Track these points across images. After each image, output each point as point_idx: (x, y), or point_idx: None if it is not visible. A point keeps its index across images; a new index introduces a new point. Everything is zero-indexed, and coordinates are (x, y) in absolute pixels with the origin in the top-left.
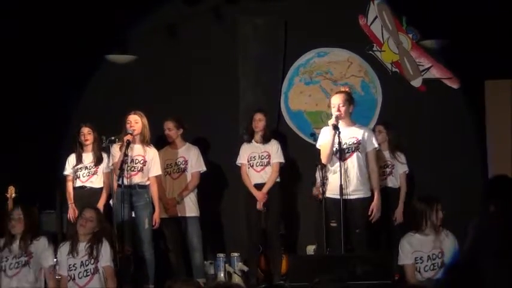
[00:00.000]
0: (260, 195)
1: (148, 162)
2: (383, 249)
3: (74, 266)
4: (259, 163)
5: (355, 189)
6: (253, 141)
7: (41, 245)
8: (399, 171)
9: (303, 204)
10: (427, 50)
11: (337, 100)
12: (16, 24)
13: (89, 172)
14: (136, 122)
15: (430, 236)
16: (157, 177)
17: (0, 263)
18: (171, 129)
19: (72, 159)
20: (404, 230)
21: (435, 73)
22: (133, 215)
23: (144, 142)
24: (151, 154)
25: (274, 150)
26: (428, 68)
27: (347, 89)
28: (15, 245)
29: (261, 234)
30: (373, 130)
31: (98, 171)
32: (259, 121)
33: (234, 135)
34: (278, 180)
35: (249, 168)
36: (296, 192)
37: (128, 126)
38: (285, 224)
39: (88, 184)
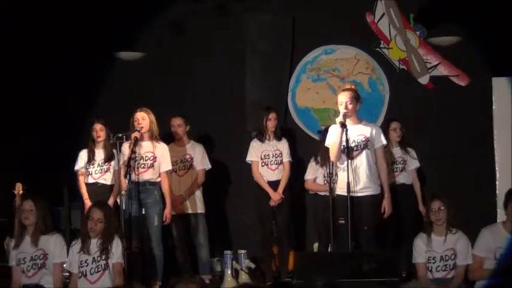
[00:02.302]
0: (277, 196)
1: (158, 158)
2: (390, 247)
3: (85, 262)
4: (273, 161)
5: (364, 187)
6: (265, 139)
7: (56, 241)
8: (411, 166)
9: (307, 200)
10: (434, 47)
11: (344, 98)
12: (27, 21)
13: (101, 169)
14: (143, 118)
15: (443, 236)
16: (168, 172)
17: (17, 264)
18: (180, 125)
19: (83, 154)
20: (415, 228)
21: (443, 70)
22: (143, 212)
23: (153, 138)
24: (161, 149)
25: (285, 150)
26: (435, 66)
27: (353, 86)
28: (27, 239)
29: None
30: (388, 127)
31: (110, 168)
32: (274, 120)
33: (240, 132)
34: None
35: (263, 166)
36: (303, 189)
37: (135, 123)
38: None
39: (101, 181)
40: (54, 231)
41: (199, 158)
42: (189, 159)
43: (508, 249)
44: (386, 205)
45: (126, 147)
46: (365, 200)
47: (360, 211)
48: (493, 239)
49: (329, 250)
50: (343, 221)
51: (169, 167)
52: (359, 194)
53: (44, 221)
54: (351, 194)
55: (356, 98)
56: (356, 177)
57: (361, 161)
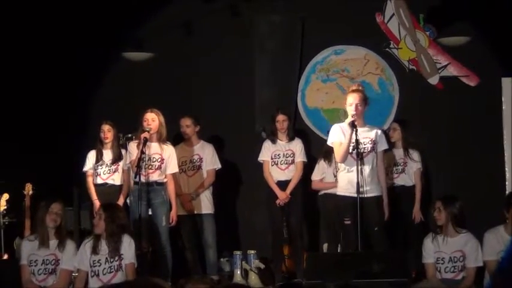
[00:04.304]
0: (283, 196)
1: (165, 160)
2: (399, 248)
3: (98, 262)
4: (284, 161)
5: (370, 188)
6: (277, 140)
7: (70, 249)
8: (413, 168)
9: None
10: (444, 47)
11: (354, 99)
12: (36, 23)
13: (109, 170)
14: (153, 120)
15: (451, 237)
16: (174, 174)
17: (29, 265)
18: (189, 126)
19: (92, 155)
20: (423, 228)
21: (452, 71)
22: (149, 213)
23: (160, 140)
24: (168, 152)
25: (298, 150)
26: (445, 66)
27: (361, 87)
28: (52, 243)
29: (284, 231)
30: (388, 128)
31: (119, 169)
32: (283, 122)
33: (250, 132)
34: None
35: (272, 165)
36: (311, 189)
37: (144, 124)
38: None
39: (109, 181)
40: (67, 237)
41: (209, 158)
42: (198, 160)
43: (509, 251)
44: (387, 208)
45: (133, 147)
46: (372, 201)
47: (368, 212)
48: (497, 242)
49: (338, 250)
50: (349, 222)
51: (176, 170)
52: (366, 195)
53: (64, 225)
54: (349, 194)
55: (365, 100)
56: (363, 179)
57: (368, 163)
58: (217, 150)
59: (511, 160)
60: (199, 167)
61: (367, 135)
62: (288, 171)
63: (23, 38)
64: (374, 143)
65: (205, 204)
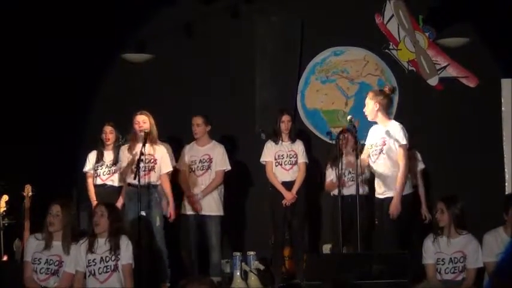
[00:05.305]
0: (290, 196)
1: (158, 161)
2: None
3: (93, 261)
4: (288, 162)
5: (386, 190)
6: (280, 140)
7: (74, 253)
8: (417, 168)
9: (320, 202)
10: (443, 48)
11: (365, 100)
12: (37, 24)
13: (109, 171)
14: (144, 122)
15: (451, 238)
16: (168, 173)
17: (32, 263)
18: (199, 125)
19: (92, 156)
20: (422, 229)
21: (451, 72)
22: (143, 214)
23: (152, 141)
24: (161, 152)
25: (300, 151)
26: (444, 67)
27: (385, 88)
28: (55, 245)
29: (286, 232)
30: None
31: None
32: (288, 122)
33: (249, 133)
34: None
35: (276, 166)
36: (312, 191)
37: (136, 126)
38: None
39: (109, 182)
40: (78, 240)
41: (219, 159)
42: (207, 160)
43: (508, 252)
44: (391, 206)
45: (124, 152)
46: (386, 202)
47: (381, 213)
48: (496, 243)
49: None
50: (376, 222)
51: (170, 169)
52: (383, 196)
53: (70, 228)
54: (376, 195)
55: (374, 98)
56: (378, 180)
57: (380, 163)
58: None
59: (511, 161)
60: (209, 167)
61: (381, 133)
62: (292, 171)
63: (23, 39)
64: (384, 143)
65: (213, 206)
